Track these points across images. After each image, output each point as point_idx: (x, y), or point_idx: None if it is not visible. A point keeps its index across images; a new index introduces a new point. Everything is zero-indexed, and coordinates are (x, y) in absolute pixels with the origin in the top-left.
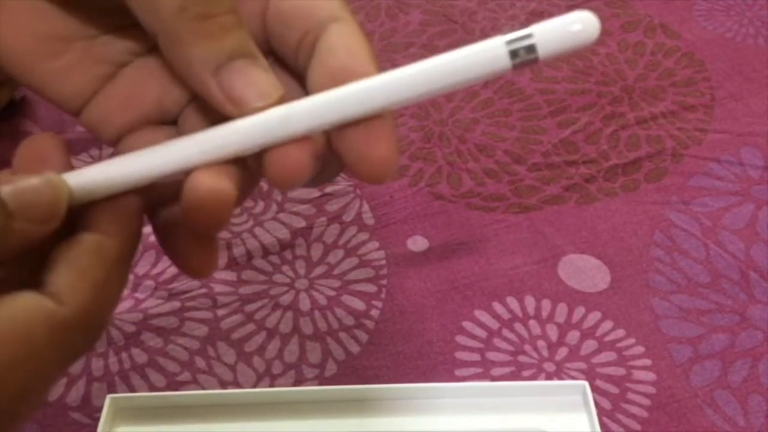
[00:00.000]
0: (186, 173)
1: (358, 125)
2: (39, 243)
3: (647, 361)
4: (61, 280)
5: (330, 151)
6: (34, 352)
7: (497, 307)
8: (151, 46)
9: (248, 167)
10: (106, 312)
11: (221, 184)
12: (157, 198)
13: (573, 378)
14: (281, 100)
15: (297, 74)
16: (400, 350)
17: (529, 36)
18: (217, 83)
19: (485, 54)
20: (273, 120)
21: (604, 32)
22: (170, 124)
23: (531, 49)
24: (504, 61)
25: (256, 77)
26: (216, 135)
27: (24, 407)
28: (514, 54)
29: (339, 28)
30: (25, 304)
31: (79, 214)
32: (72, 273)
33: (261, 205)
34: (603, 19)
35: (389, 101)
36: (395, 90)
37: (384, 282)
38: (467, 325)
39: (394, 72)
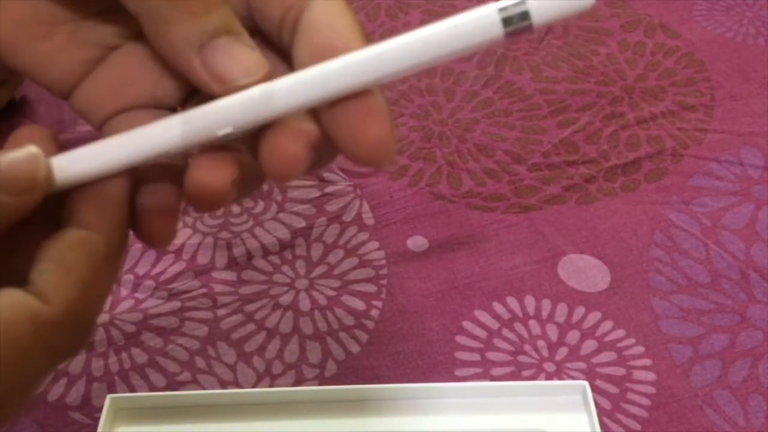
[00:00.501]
0: (171, 156)
1: (347, 104)
2: (20, 217)
3: (647, 361)
4: (46, 279)
5: (323, 136)
6: (17, 352)
7: (497, 307)
8: (140, 29)
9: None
10: (94, 310)
11: (218, 178)
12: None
13: (573, 378)
14: (267, 77)
15: (283, 53)
16: (400, 350)
17: (522, 2)
18: (201, 62)
19: (477, 22)
20: (255, 99)
21: (604, 32)
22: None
23: (524, 15)
24: (496, 29)
25: (241, 54)
26: (196, 116)
27: (9, 406)
28: (507, 21)
29: (322, 2)
30: (8, 302)
31: (65, 209)
32: (57, 270)
33: (261, 205)
34: (603, 19)
35: (377, 75)
36: (383, 63)
37: (384, 282)
38: (467, 325)
39: (382, 44)
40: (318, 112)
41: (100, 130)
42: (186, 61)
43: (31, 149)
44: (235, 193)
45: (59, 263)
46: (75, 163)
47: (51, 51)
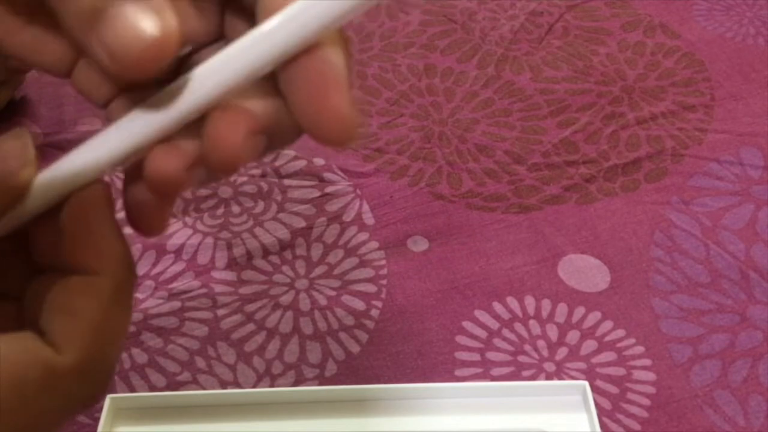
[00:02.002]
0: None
1: (300, 73)
2: (15, 198)
3: (647, 361)
4: (56, 328)
5: (270, 117)
6: (25, 399)
7: (497, 307)
8: None
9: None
10: (111, 353)
11: (171, 166)
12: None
13: (573, 378)
14: (169, 40)
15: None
16: (400, 350)
17: None
18: (97, 37)
19: None
20: (180, 88)
21: (604, 32)
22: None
23: None
24: None
25: (133, 16)
26: (130, 121)
27: None
28: None
29: None
30: (20, 347)
31: (65, 258)
32: (66, 319)
33: (261, 205)
34: (603, 19)
35: (325, 19)
36: (320, 10)
37: (384, 282)
38: (467, 325)
39: None
40: (279, 87)
41: (104, 109)
42: (84, 39)
43: (18, 129)
44: (193, 180)
45: (68, 311)
46: (54, 175)
47: (39, 33)
